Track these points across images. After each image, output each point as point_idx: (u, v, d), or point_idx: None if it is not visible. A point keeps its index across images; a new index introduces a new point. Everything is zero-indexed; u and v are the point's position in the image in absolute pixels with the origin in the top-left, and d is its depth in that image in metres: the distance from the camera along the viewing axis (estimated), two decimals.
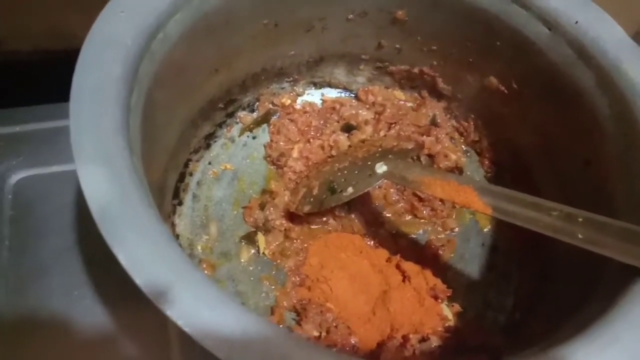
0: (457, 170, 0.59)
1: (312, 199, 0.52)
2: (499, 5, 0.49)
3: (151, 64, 0.40)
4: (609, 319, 0.33)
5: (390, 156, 0.51)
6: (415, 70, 0.60)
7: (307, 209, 0.52)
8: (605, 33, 0.46)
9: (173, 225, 0.52)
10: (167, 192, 0.52)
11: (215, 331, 0.28)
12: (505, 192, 0.42)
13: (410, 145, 0.54)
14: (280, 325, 0.49)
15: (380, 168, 0.49)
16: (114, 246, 0.30)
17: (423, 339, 0.47)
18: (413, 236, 0.57)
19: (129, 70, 0.37)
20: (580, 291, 0.41)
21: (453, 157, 0.58)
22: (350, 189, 0.50)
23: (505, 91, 0.54)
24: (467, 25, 0.52)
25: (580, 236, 0.37)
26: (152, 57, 0.40)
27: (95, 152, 0.32)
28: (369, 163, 0.51)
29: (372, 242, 0.55)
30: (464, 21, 0.52)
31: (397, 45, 0.58)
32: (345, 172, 0.52)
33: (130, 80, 0.37)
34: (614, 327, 0.32)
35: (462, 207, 0.54)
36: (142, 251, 0.30)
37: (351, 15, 0.55)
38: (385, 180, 0.52)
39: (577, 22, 0.46)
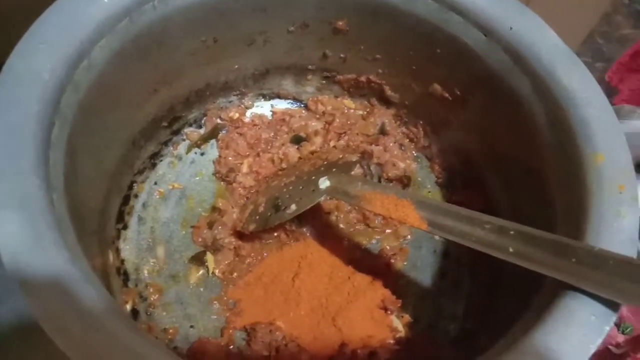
0: (406, 178, 0.58)
1: (257, 217, 0.51)
2: (437, 13, 0.49)
3: (75, 94, 0.39)
4: (535, 336, 0.33)
5: (334, 170, 0.51)
6: (362, 78, 0.59)
7: (252, 227, 0.51)
8: (540, 39, 0.45)
9: (117, 251, 0.51)
10: (110, 216, 0.51)
11: None
12: (441, 206, 0.42)
13: (354, 158, 0.53)
14: (230, 347, 0.49)
15: (323, 183, 0.49)
16: (26, 296, 0.29)
17: (372, 353, 0.47)
18: (366, 246, 0.56)
19: (47, 105, 0.36)
20: (522, 302, 0.41)
21: (402, 165, 0.58)
22: (293, 206, 0.49)
23: (449, 98, 0.54)
24: (407, 34, 0.52)
25: (510, 250, 0.37)
26: (75, 86, 0.39)
27: (9, 196, 0.32)
28: (313, 178, 0.50)
29: (324, 255, 0.54)
30: (403, 30, 0.51)
31: (342, 55, 0.57)
32: (291, 187, 0.52)
33: (50, 114, 0.36)
34: (538, 345, 0.32)
35: (399, 223, 0.55)
36: (53, 302, 0.29)
37: (292, 28, 0.54)
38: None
39: (511, 28, 0.46)
